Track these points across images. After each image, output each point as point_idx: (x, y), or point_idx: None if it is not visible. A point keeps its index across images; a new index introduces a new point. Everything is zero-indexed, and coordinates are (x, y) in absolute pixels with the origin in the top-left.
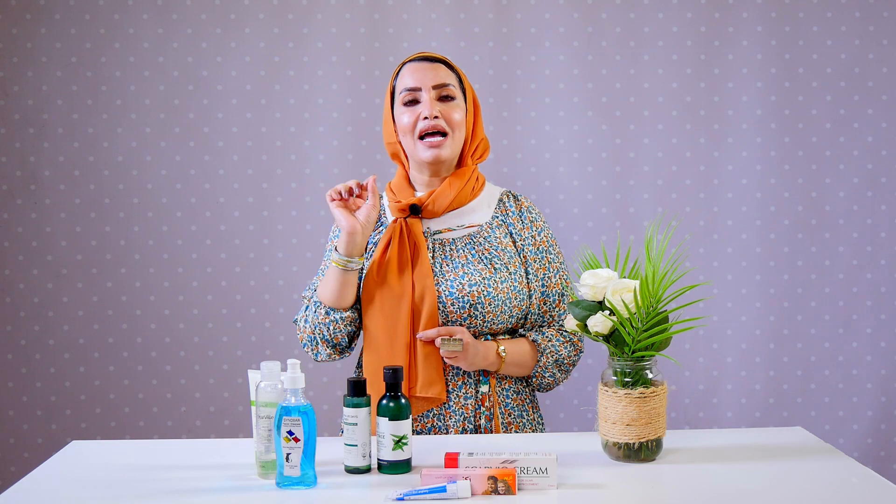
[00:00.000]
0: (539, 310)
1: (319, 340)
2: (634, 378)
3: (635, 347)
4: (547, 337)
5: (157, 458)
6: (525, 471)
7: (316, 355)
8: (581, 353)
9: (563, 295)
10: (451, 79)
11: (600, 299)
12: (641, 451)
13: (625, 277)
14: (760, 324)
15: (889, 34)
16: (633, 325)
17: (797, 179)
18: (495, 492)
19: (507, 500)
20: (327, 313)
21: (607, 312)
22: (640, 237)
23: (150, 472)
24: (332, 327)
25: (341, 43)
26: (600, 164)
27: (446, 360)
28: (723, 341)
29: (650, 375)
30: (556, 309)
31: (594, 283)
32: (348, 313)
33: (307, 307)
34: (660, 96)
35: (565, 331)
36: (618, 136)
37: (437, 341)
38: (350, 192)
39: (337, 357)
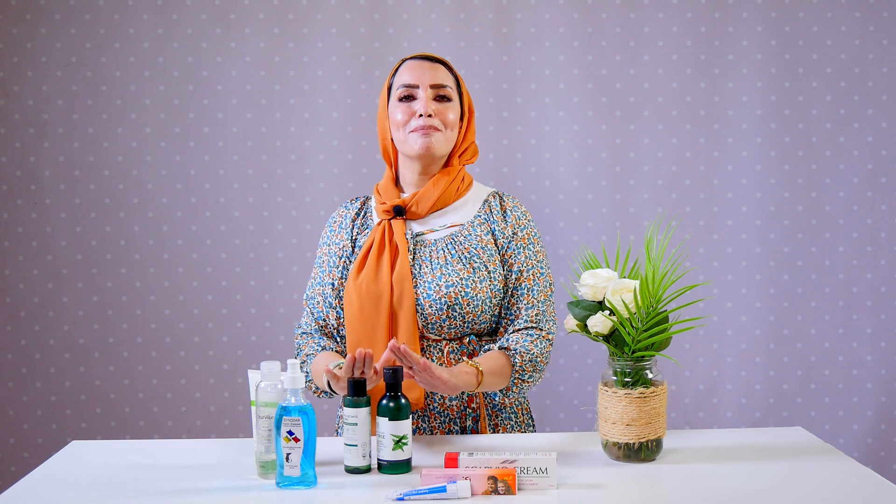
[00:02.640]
0: (507, 302)
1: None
2: (634, 378)
3: (635, 347)
4: (512, 341)
5: (157, 458)
6: (525, 471)
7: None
8: (551, 343)
9: (531, 290)
10: (449, 80)
11: (600, 299)
12: (641, 451)
13: (625, 277)
14: (760, 324)
15: (889, 34)
16: (633, 325)
17: (797, 179)
18: (495, 492)
19: (507, 500)
20: (315, 390)
21: (607, 312)
22: (640, 237)
23: (150, 472)
24: (316, 395)
25: (341, 43)
26: (600, 164)
27: (427, 388)
28: (723, 341)
29: (650, 375)
30: (523, 301)
31: (594, 283)
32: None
33: (303, 343)
34: (660, 96)
35: (529, 328)
36: (618, 136)
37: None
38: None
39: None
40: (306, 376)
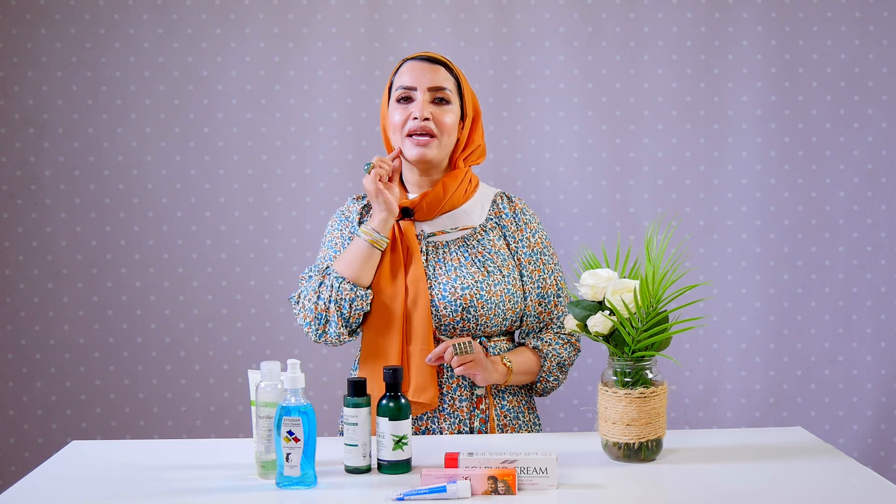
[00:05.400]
0: (535, 311)
1: (335, 318)
2: (634, 378)
3: (635, 347)
4: (546, 342)
5: (157, 458)
6: (525, 471)
7: (320, 335)
8: (579, 352)
9: (558, 296)
10: (448, 83)
11: (600, 299)
12: (641, 451)
13: (625, 277)
14: (760, 324)
15: (889, 34)
16: (633, 325)
17: (797, 179)
18: (495, 492)
19: (507, 500)
20: (353, 289)
21: (607, 312)
22: (640, 237)
23: (150, 472)
24: (355, 303)
25: (341, 43)
26: (600, 164)
27: (464, 374)
28: (723, 341)
29: (650, 375)
30: (554, 310)
31: (594, 283)
32: (370, 290)
33: (321, 283)
34: (660, 96)
35: (562, 332)
36: (618, 136)
37: (448, 355)
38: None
39: (346, 338)
40: (337, 280)
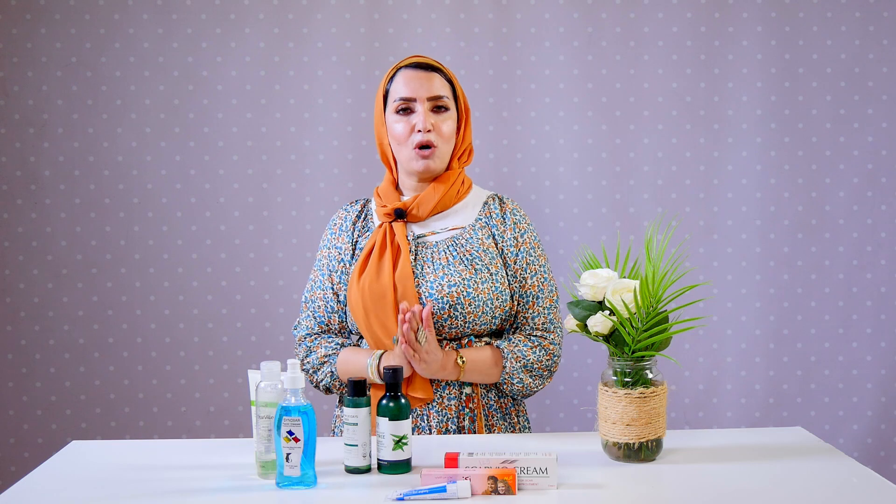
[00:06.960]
0: (514, 309)
1: (321, 388)
2: (634, 378)
3: (635, 347)
4: (513, 342)
5: (157, 458)
6: (525, 471)
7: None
8: (555, 356)
9: (537, 297)
10: (444, 89)
11: (600, 299)
12: (641, 451)
13: (625, 277)
14: (760, 324)
15: (889, 34)
16: (633, 325)
17: (797, 179)
18: (495, 492)
19: (507, 500)
20: (342, 385)
21: (607, 312)
22: (640, 237)
23: (150, 472)
24: (338, 393)
25: (341, 43)
26: (600, 164)
27: (409, 358)
28: (723, 341)
29: (650, 375)
30: (530, 310)
31: (594, 283)
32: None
33: (318, 362)
34: (660, 96)
35: (534, 334)
36: (618, 136)
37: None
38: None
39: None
40: (331, 375)
